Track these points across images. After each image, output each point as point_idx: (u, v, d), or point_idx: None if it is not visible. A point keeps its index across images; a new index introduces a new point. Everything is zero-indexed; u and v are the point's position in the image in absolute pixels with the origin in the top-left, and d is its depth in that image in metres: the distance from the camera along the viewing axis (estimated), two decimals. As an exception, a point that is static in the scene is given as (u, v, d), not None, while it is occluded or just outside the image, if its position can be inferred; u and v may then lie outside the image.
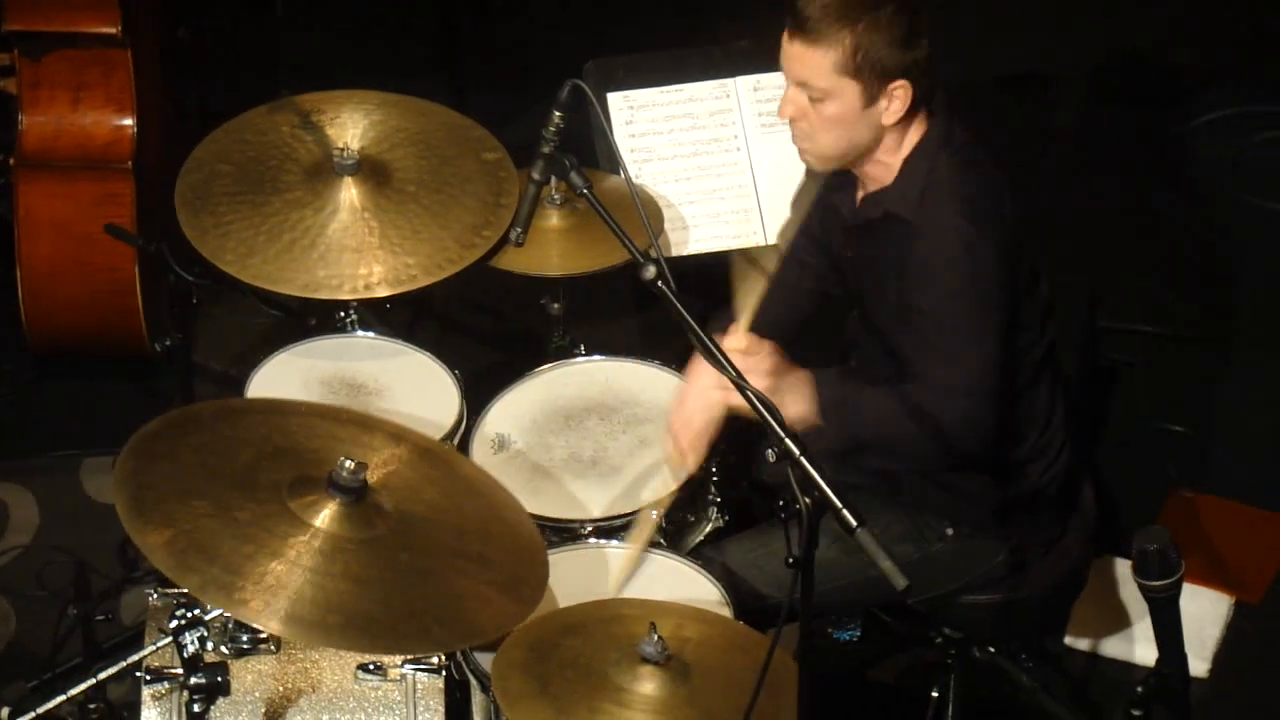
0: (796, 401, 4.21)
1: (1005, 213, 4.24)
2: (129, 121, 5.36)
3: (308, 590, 3.73)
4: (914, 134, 4.26)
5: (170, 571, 3.71)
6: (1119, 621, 5.06)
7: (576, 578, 4.29)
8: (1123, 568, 5.07)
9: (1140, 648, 4.99)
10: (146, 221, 5.35)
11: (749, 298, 4.26)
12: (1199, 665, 4.91)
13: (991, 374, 4.21)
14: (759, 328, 4.26)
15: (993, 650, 4.70)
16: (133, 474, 3.85)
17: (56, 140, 5.35)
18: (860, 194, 4.36)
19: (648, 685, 3.89)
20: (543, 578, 3.99)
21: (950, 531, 4.46)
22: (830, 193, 4.42)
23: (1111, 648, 5.06)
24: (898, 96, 4.19)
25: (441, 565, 3.92)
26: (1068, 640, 5.06)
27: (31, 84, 5.36)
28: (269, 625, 3.72)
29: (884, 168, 4.28)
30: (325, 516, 3.84)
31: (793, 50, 4.18)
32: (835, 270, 4.51)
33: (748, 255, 4.35)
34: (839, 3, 4.12)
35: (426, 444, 4.21)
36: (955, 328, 4.19)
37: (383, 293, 4.59)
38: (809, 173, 4.44)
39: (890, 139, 4.25)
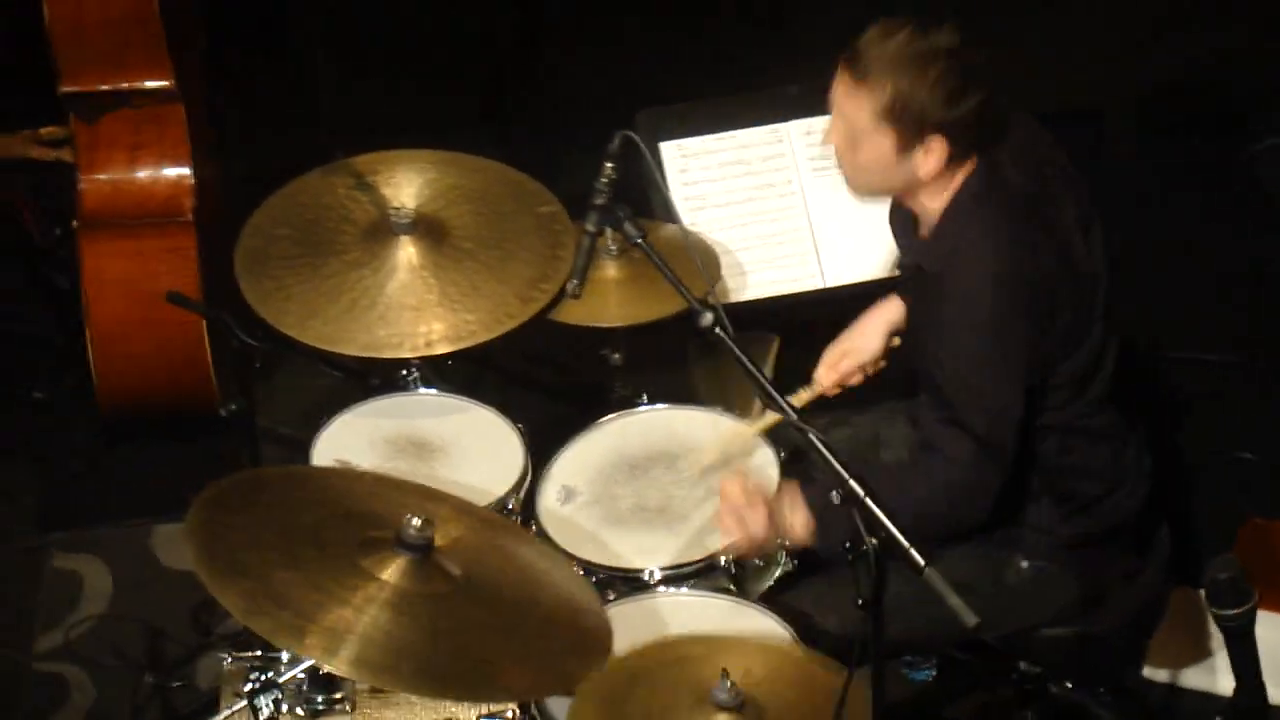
0: (795, 509, 4.30)
1: (1036, 272, 4.20)
2: (186, 172, 5.39)
3: (378, 636, 3.73)
4: (955, 184, 4.25)
5: (241, 615, 3.73)
6: (1198, 653, 5.02)
7: (643, 628, 4.28)
8: (1200, 599, 5.02)
9: (1220, 678, 4.95)
10: (206, 279, 5.37)
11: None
12: (1279, 693, 4.86)
13: (1004, 441, 4.20)
14: None
15: (1070, 685, 4.67)
16: (204, 524, 3.88)
17: (116, 198, 5.37)
18: (918, 226, 4.37)
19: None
20: (606, 650, 3.99)
21: (1024, 565, 4.43)
22: (897, 214, 4.44)
23: (1191, 679, 5.01)
24: (933, 151, 4.19)
25: (510, 621, 3.93)
26: (1146, 673, 5.01)
27: (88, 146, 5.40)
28: (339, 668, 3.72)
29: (927, 211, 4.28)
30: (393, 571, 3.85)
31: (840, 82, 4.22)
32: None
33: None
34: (893, 53, 4.14)
35: (491, 518, 4.25)
36: (970, 390, 4.19)
37: (443, 349, 4.59)
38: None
39: (930, 186, 4.25)
